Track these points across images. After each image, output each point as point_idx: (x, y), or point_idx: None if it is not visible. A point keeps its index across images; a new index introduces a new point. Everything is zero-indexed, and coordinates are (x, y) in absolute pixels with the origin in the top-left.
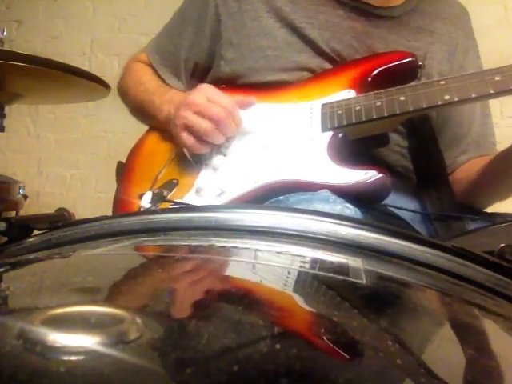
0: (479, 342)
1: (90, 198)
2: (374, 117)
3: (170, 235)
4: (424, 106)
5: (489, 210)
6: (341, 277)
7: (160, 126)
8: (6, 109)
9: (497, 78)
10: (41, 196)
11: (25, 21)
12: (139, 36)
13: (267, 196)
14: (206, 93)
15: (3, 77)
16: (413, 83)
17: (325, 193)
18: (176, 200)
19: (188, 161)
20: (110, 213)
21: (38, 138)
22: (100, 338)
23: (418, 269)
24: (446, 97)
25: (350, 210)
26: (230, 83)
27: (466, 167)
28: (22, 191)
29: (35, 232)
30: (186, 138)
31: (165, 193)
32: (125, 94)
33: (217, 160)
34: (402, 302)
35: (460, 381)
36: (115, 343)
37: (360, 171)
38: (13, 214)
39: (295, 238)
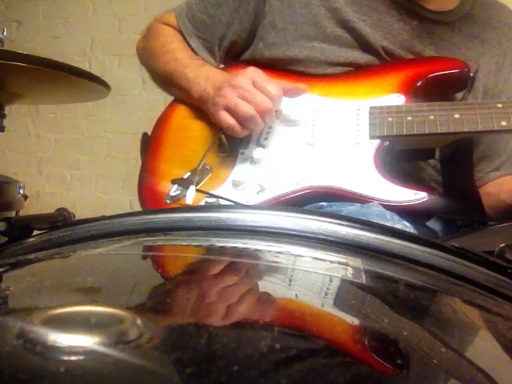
0: None
1: (90, 198)
2: (427, 132)
3: (170, 235)
4: (480, 129)
5: None
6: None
7: (190, 101)
8: (6, 109)
9: None
10: (41, 196)
11: (25, 21)
12: (139, 36)
13: (307, 200)
14: (252, 77)
15: (3, 77)
16: (469, 101)
17: (376, 207)
18: (212, 192)
19: (223, 147)
20: (110, 213)
21: (38, 138)
22: (100, 338)
23: (418, 269)
24: (503, 123)
25: (409, 228)
26: (268, 67)
27: (497, 182)
28: (21, 191)
29: (35, 232)
30: (225, 116)
31: (197, 179)
32: (149, 58)
33: (256, 152)
34: (456, 316)
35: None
36: (115, 343)
37: (410, 190)
38: (13, 214)
39: (295, 238)
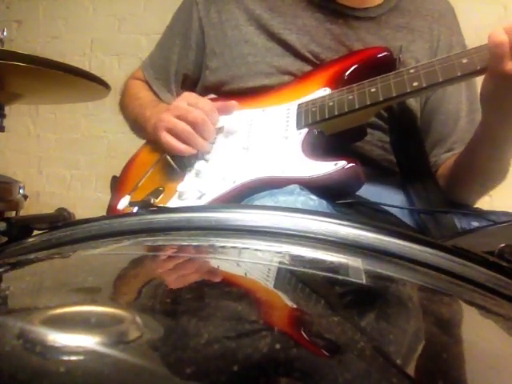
0: (469, 340)
1: (90, 198)
2: (346, 110)
3: (170, 235)
4: (394, 94)
5: (485, 208)
6: (328, 274)
7: (150, 138)
8: (6, 109)
9: (464, 61)
10: (41, 196)
11: (25, 21)
12: (139, 36)
13: (244, 195)
14: (186, 98)
15: (3, 77)
16: (384, 75)
17: (290, 186)
18: (160, 205)
19: (173, 169)
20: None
21: (37, 138)
22: (100, 338)
23: (418, 269)
24: (415, 84)
25: (313, 201)
26: (216, 91)
27: (448, 163)
28: (21, 191)
29: (35, 232)
30: (168, 138)
31: (152, 200)
32: (124, 110)
33: (199, 165)
34: (386, 298)
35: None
36: (115, 343)
37: (330, 162)
38: (13, 214)
39: (295, 238)
